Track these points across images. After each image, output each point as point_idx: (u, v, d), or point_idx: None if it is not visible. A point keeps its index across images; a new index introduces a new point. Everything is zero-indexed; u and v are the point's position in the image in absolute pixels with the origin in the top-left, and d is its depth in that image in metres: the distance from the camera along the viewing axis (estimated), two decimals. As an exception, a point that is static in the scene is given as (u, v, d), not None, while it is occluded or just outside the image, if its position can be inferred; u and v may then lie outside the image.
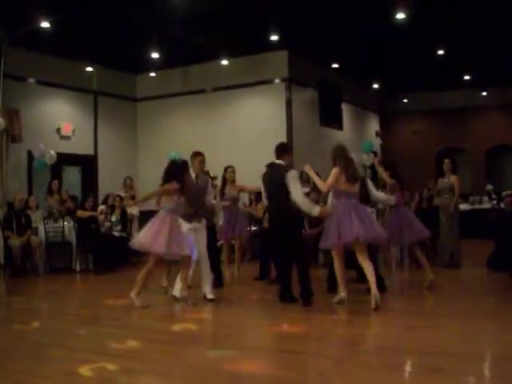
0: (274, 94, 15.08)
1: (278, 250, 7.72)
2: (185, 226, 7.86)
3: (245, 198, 11.56)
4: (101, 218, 12.30)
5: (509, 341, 5.52)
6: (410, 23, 12.10)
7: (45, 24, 11.70)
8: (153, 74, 16.35)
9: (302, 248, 7.66)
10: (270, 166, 7.79)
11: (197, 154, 8.46)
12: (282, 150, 7.83)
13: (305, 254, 7.78)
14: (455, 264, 10.71)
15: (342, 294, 7.41)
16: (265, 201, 7.96)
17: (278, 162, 7.72)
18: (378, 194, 8.45)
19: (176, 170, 7.83)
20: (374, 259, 8.38)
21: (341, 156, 7.53)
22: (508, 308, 7.24)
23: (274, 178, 7.58)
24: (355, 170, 7.62)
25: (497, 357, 5.11)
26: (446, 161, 11.11)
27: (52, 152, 13.40)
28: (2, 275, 11.36)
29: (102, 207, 12.69)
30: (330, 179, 7.31)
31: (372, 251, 8.28)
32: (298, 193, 7.41)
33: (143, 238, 7.55)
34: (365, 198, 8.21)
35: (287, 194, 7.40)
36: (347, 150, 7.68)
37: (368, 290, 7.62)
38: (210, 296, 7.93)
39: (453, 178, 10.82)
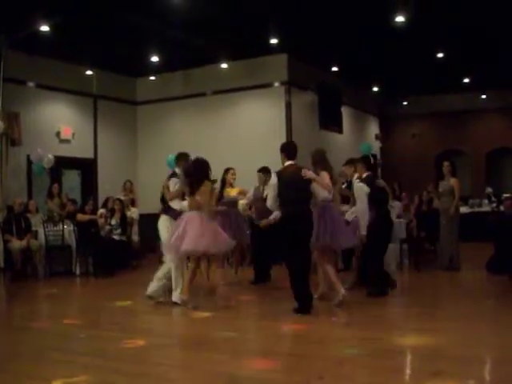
0: (273, 98, 15.08)
1: (296, 253, 7.17)
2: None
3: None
4: (100, 221, 12.30)
5: (509, 344, 5.52)
6: (410, 26, 12.09)
7: (44, 27, 11.68)
8: (152, 78, 16.36)
9: (310, 252, 7.51)
10: (289, 167, 7.30)
11: (187, 156, 8.41)
12: (296, 150, 7.45)
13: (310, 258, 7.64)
14: (455, 267, 10.70)
15: (341, 293, 7.38)
16: (270, 204, 7.38)
17: (293, 163, 7.30)
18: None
19: (206, 169, 7.89)
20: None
21: (323, 160, 7.62)
22: (508, 311, 7.23)
23: (297, 180, 7.13)
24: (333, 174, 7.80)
25: (497, 360, 5.11)
26: (445, 163, 11.11)
27: (50, 156, 13.40)
28: (2, 279, 11.36)
29: (101, 211, 12.69)
30: (329, 181, 7.35)
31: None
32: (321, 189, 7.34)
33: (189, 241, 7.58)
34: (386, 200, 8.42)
35: (309, 196, 7.23)
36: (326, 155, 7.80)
37: (370, 295, 7.74)
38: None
39: (452, 181, 10.81)
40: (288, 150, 7.42)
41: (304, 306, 7.01)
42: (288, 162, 7.31)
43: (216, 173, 10.21)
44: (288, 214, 7.17)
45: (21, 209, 11.88)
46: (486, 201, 17.23)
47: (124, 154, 16.45)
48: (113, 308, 8.22)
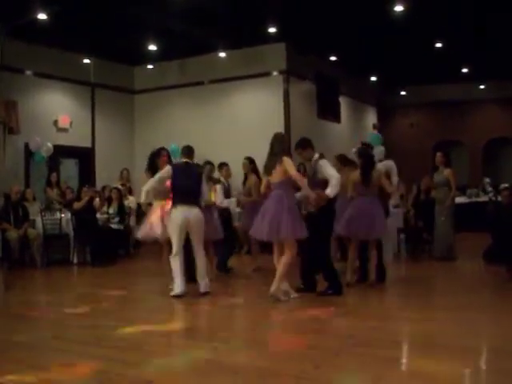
0: (271, 87, 15.05)
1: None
2: None
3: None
4: (96, 202, 12.19)
5: (505, 334, 5.54)
6: (409, 16, 12.07)
7: (42, 16, 11.63)
8: (150, 66, 16.31)
9: None
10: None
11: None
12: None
13: None
14: (451, 257, 10.73)
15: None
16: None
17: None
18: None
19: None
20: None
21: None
22: (504, 301, 7.26)
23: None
24: None
25: (493, 349, 5.13)
26: (438, 154, 11.12)
27: (49, 144, 13.40)
28: (0, 268, 11.36)
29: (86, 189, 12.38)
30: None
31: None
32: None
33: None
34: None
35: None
36: None
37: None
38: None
39: (447, 172, 10.80)
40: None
41: (341, 286, 7.49)
42: (317, 154, 7.56)
43: (213, 162, 10.19)
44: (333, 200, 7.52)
45: (18, 197, 11.84)
46: (484, 191, 17.22)
47: (121, 142, 16.43)
48: (110, 297, 8.23)
